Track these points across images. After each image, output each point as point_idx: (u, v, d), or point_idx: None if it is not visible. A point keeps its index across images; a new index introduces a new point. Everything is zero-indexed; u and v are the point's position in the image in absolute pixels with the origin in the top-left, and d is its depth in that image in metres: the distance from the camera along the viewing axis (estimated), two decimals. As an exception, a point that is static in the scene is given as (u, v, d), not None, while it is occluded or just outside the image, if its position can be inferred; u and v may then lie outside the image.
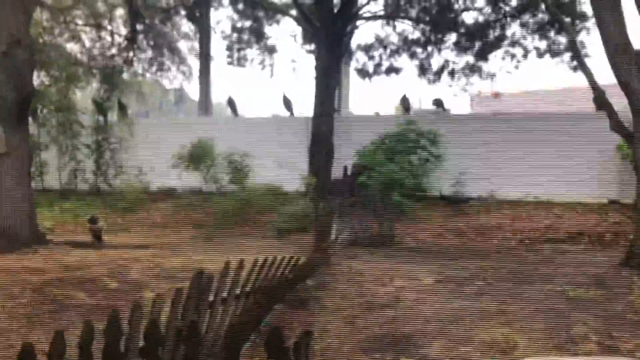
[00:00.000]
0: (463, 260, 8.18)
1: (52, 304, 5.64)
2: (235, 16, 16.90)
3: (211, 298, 3.80)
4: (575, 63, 12.07)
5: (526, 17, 13.16)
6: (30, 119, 12.48)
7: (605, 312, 5.54)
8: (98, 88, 15.73)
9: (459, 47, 13.90)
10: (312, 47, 15.34)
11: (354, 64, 15.75)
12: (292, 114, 14.62)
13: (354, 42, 15.34)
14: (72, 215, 11.92)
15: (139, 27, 17.39)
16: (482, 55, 13.70)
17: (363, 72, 15.46)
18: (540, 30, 13.00)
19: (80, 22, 17.09)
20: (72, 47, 16.49)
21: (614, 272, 7.07)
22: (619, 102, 7.58)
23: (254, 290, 4.49)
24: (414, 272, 7.22)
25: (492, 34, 13.61)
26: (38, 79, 13.96)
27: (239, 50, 17.15)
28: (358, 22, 14.71)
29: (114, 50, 16.94)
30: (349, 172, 11.06)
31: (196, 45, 19.36)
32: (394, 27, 14.93)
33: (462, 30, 13.75)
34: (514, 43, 13.41)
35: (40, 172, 13.76)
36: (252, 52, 17.09)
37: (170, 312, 3.23)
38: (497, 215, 11.05)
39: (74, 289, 6.15)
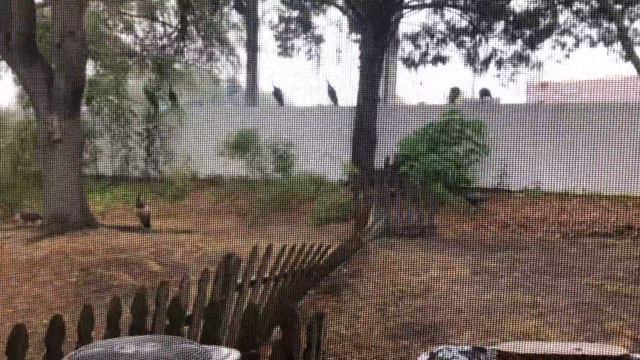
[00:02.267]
0: (502, 252, 8.10)
1: (97, 284, 5.94)
2: (283, 6, 17.05)
3: (239, 281, 3.95)
4: (625, 52, 11.64)
5: (578, 5, 12.74)
6: (84, 107, 13.05)
7: (644, 308, 5.42)
8: (149, 77, 16.18)
9: (508, 36, 13.60)
10: (358, 36, 15.32)
11: (399, 53, 15.64)
12: (336, 103, 14.67)
13: (400, 31, 15.23)
14: (122, 200, 12.40)
15: (189, 17, 17.75)
16: (532, 43, 13.37)
17: (409, 61, 15.33)
18: (592, 17, 12.57)
19: (133, 12, 17.58)
20: (125, 37, 16.99)
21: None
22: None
23: (283, 274, 4.62)
24: (450, 262, 7.22)
25: (543, 22, 13.25)
26: (93, 69, 14.51)
27: (286, 40, 17.30)
28: (404, 11, 14.59)
29: (165, 41, 17.37)
30: (390, 162, 11.06)
31: (244, 35, 19.62)
32: (442, 16, 14.74)
33: (511, 18, 13.44)
34: (564, 31, 13.03)
35: (93, 158, 14.31)
36: (299, 42, 17.20)
37: (197, 292, 3.39)
38: (542, 207, 10.83)
39: (119, 271, 6.45)
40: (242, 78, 19.92)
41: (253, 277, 4.19)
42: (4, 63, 13.90)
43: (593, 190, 11.22)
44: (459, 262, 7.21)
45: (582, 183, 11.32)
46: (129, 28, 17.11)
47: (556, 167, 11.48)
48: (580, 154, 11.48)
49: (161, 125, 15.06)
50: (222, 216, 11.48)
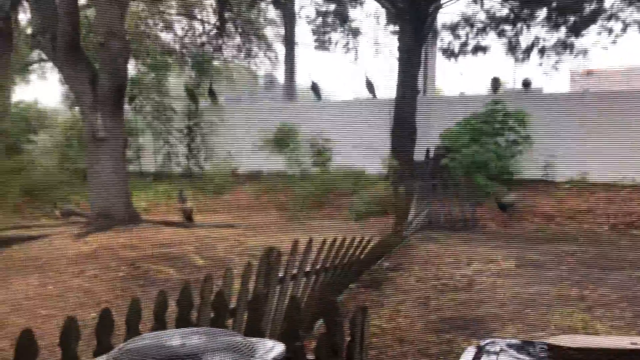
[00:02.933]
0: (547, 244, 7.92)
1: (143, 278, 6.08)
2: (320, 0, 17.01)
3: (281, 274, 3.97)
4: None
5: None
6: (127, 105, 13.34)
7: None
8: (189, 75, 16.42)
9: (551, 23, 13.24)
10: (396, 28, 15.17)
11: (438, 44, 15.43)
12: (374, 96, 14.59)
13: (438, 22, 15.02)
14: (165, 196, 12.63)
15: (227, 14, 17.92)
16: (576, 30, 12.98)
17: (448, 52, 15.10)
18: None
19: (172, 11, 17.85)
20: (165, 36, 17.28)
21: None
22: None
23: (324, 268, 4.63)
24: (494, 255, 7.10)
25: (588, 8, 12.85)
26: (135, 67, 14.81)
27: (323, 34, 17.27)
28: (442, 1, 14.37)
29: (204, 38, 17.58)
30: (431, 155, 10.94)
31: (282, 30, 19.69)
32: (481, 4, 14.46)
33: (554, 4, 13.08)
34: (611, 16, 12.60)
35: (137, 155, 14.62)
36: (336, 36, 17.15)
37: (240, 286, 3.42)
38: (589, 198, 10.53)
39: (163, 264, 6.58)
40: (279, 73, 19.99)
41: (294, 271, 4.21)
42: (50, 64, 14.32)
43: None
44: (503, 255, 7.09)
45: (631, 174, 10.96)
46: (169, 27, 17.38)
47: (604, 157, 11.14)
48: (628, 144, 11.12)
49: (201, 122, 15.27)
50: (262, 211, 11.57)
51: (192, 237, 8.49)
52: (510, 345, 1.74)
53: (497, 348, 1.68)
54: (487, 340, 1.80)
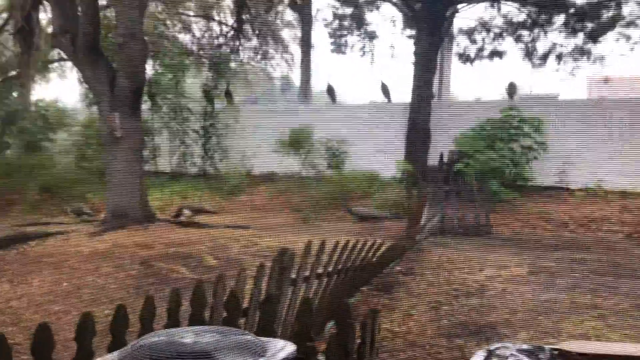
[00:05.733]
0: (560, 251, 7.87)
1: (157, 277, 6.14)
2: (337, 3, 17.04)
3: (293, 275, 4.00)
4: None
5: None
6: (146, 105, 13.47)
7: None
8: (206, 76, 16.53)
9: (568, 29, 13.15)
10: (412, 32, 15.16)
11: (455, 49, 15.39)
12: (389, 100, 14.59)
13: (455, 26, 14.98)
14: (181, 196, 12.73)
15: (244, 16, 18.02)
16: (593, 37, 12.89)
17: (464, 57, 15.06)
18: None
19: (190, 13, 18.00)
20: (183, 37, 17.42)
21: None
22: None
23: (336, 270, 4.65)
24: (507, 261, 7.07)
25: (605, 14, 12.75)
26: (152, 68, 14.95)
27: (339, 37, 17.30)
28: (459, 6, 14.34)
29: (221, 40, 17.70)
30: (445, 159, 10.92)
31: (298, 33, 19.76)
32: (498, 9, 14.40)
33: (572, 10, 12.99)
34: (629, 23, 12.49)
35: (153, 155, 14.74)
36: (353, 39, 17.17)
37: (253, 286, 3.45)
38: (604, 206, 10.45)
39: (176, 264, 6.64)
40: (295, 76, 20.03)
41: (307, 273, 4.24)
42: (69, 63, 14.51)
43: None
44: (516, 262, 7.06)
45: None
46: (187, 28, 17.53)
47: (619, 165, 11.05)
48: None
49: (217, 123, 15.35)
50: (276, 212, 11.61)
51: (205, 237, 8.55)
52: (519, 350, 1.75)
53: (507, 352, 1.69)
54: (497, 345, 1.81)
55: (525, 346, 1.82)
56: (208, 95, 15.53)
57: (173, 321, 2.80)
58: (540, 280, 6.35)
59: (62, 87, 25.63)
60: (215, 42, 17.63)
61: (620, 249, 8.45)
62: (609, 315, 5.04)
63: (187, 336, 1.49)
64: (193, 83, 16.62)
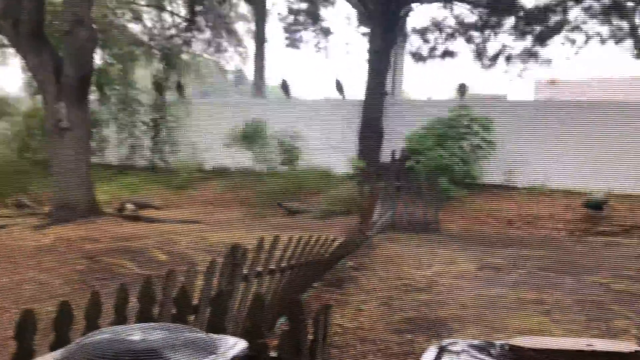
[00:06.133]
0: (507, 248, 8.08)
1: (103, 272, 5.96)
2: (292, -2, 16.97)
3: (245, 272, 3.95)
4: (637, 50, 11.55)
5: (588, 1, 12.64)
6: (94, 95, 13.08)
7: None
8: (157, 68, 16.19)
9: (517, 32, 13.51)
10: (366, 29, 15.26)
11: (408, 48, 15.58)
12: (343, 97, 14.64)
13: (408, 25, 15.16)
14: (129, 190, 12.43)
15: (197, 8, 17.72)
16: (541, 40, 13.28)
17: (417, 56, 15.26)
18: (603, 15, 12.46)
19: (142, 2, 17.56)
20: (133, 27, 16.98)
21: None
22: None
23: (289, 266, 4.63)
24: (455, 258, 7.21)
25: (553, 18, 13.15)
26: (101, 58, 14.53)
27: (294, 32, 17.24)
28: (413, 5, 14.52)
29: (173, 31, 17.35)
30: (397, 157, 11.04)
31: (253, 27, 19.60)
32: (451, 10, 14.65)
33: (521, 13, 13.35)
34: (574, 28, 12.93)
35: (100, 147, 14.35)
36: (307, 34, 17.14)
37: (203, 282, 3.39)
38: (548, 204, 10.79)
39: (124, 259, 6.47)
40: (249, 70, 19.88)
41: (259, 269, 4.20)
42: (11, 50, 13.92)
43: (600, 189, 11.16)
44: (464, 258, 7.20)
45: (589, 182, 11.27)
46: (137, 17, 17.09)
47: (563, 165, 11.44)
48: (587, 153, 11.44)
49: (168, 116, 15.08)
50: (227, 207, 11.49)
51: (154, 232, 8.38)
52: (471, 346, 1.76)
53: (459, 348, 1.70)
54: (448, 341, 1.82)
55: (476, 342, 1.83)
56: (159, 87, 15.23)
57: (120, 318, 2.71)
58: (488, 276, 6.50)
59: (3, 75, 24.66)
60: (167, 33, 17.27)
61: (564, 246, 8.75)
62: (553, 310, 5.20)
63: (135, 334, 1.43)
64: (143, 74, 16.26)
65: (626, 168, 10.94)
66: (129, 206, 10.23)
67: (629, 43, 12.26)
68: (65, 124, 8.80)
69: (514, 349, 1.55)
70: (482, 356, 1.66)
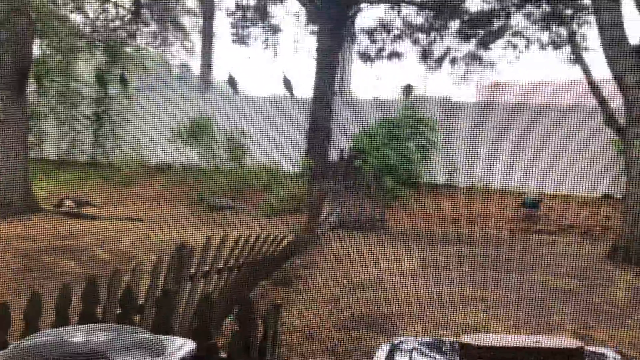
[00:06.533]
0: (451, 246, 8.28)
1: (41, 271, 5.74)
2: (240, -7, 16.80)
3: (192, 271, 3.88)
4: (574, 56, 12.05)
5: (530, 8, 13.10)
6: (32, 87, 12.56)
7: (585, 303, 5.64)
8: (100, 60, 15.70)
9: (462, 35, 13.84)
10: (315, 28, 15.29)
11: (356, 47, 15.70)
12: (292, 94, 14.61)
13: (357, 25, 15.28)
14: (68, 185, 12.02)
15: (143, 0, 17.30)
16: (484, 44, 13.66)
17: (365, 56, 15.41)
18: (543, 21, 12.94)
19: (84, -8, 16.98)
20: (75, 17, 16.41)
21: (598, 265, 7.16)
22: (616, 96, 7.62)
23: (237, 265, 4.58)
24: (401, 255, 7.32)
25: (496, 23, 13.55)
26: (40, 48, 13.96)
27: (242, 28, 17.08)
28: (362, 5, 14.64)
29: (117, 23, 16.87)
30: (345, 156, 11.11)
31: (200, 21, 19.28)
32: (398, 12, 14.86)
33: (466, 17, 13.68)
34: (516, 33, 13.37)
35: (39, 141, 13.81)
36: (256, 31, 17.02)
37: (149, 282, 3.31)
38: (490, 204, 11.11)
39: (64, 258, 6.25)
40: (196, 64, 19.55)
41: (206, 268, 4.13)
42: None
43: (539, 189, 11.59)
44: (409, 256, 7.32)
45: (528, 182, 11.67)
46: (80, 7, 16.52)
47: (505, 165, 11.79)
48: (527, 154, 11.84)
49: (111, 110, 14.65)
50: (172, 205, 11.27)
51: (95, 229, 8.13)
52: (422, 344, 1.78)
53: (410, 346, 1.72)
54: (401, 339, 1.84)
55: (427, 339, 1.86)
56: (101, 80, 14.78)
57: (61, 319, 2.61)
58: (432, 273, 6.63)
59: None
60: (111, 24, 16.78)
61: (504, 244, 9.03)
62: (495, 307, 5.35)
63: (78, 335, 1.38)
64: (85, 66, 15.75)
65: (562, 168, 11.39)
66: (68, 202, 9.87)
67: (566, 49, 12.78)
68: (1, 116, 8.43)
69: (463, 346, 1.58)
70: (433, 353, 1.69)
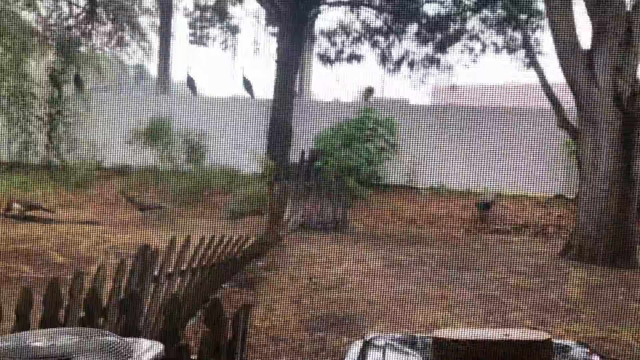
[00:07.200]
0: (411, 246, 8.40)
1: (-5, 276, 5.56)
2: (199, -7, 16.64)
3: (156, 273, 3.83)
4: (528, 60, 12.41)
5: (485, 12, 13.42)
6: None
7: (541, 300, 5.81)
8: (53, 59, 15.29)
9: (420, 38, 14.06)
10: (275, 29, 15.27)
11: (316, 49, 15.75)
12: (252, 96, 14.55)
13: (317, 27, 15.34)
14: (21, 189, 11.65)
15: (98, -1, 16.93)
16: (442, 47, 13.92)
17: (325, 58, 15.47)
18: (498, 26, 13.28)
19: (36, -11, 16.50)
20: (26, 15, 15.92)
21: (553, 263, 7.39)
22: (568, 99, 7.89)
23: (200, 267, 4.54)
24: (363, 256, 7.38)
25: (452, 27, 13.82)
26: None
27: (201, 28, 16.92)
28: (322, 7, 14.71)
29: (71, 22, 16.46)
30: (306, 157, 11.13)
31: (157, 21, 18.99)
32: (358, 14, 14.99)
33: (424, 21, 13.90)
34: (472, 37, 13.66)
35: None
36: (214, 31, 16.88)
37: (113, 284, 3.25)
38: (447, 204, 11.32)
39: (18, 262, 6.07)
40: (153, 65, 19.22)
41: (170, 270, 4.08)
42: None
43: (495, 190, 11.86)
44: (371, 256, 7.40)
45: (482, 182, 11.93)
46: (31, 5, 16.04)
47: (461, 167, 12.05)
48: (482, 155, 12.11)
49: (65, 111, 14.29)
50: (129, 208, 11.06)
51: (51, 233, 7.92)
52: (394, 339, 1.81)
53: (383, 342, 1.75)
54: (373, 335, 1.87)
55: (399, 335, 1.89)
56: (55, 80, 14.40)
57: (22, 324, 2.54)
58: (394, 273, 6.72)
59: None
60: (65, 23, 16.36)
61: (462, 244, 9.22)
62: (455, 305, 5.46)
63: (41, 339, 1.34)
64: (38, 66, 15.31)
65: (517, 169, 11.70)
66: (16, 206, 9.54)
67: (521, 53, 13.14)
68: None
69: (437, 340, 1.61)
70: (406, 349, 1.72)
